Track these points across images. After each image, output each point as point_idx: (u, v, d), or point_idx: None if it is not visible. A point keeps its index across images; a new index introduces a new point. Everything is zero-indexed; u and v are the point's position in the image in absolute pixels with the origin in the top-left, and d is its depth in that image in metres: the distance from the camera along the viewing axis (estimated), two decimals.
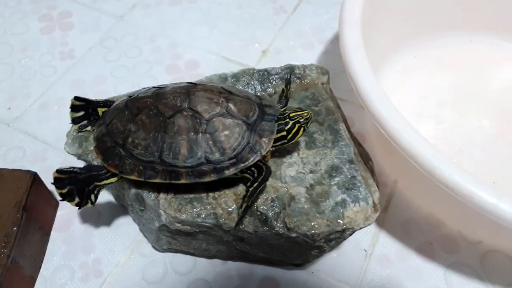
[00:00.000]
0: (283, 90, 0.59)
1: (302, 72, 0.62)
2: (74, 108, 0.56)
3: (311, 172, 0.53)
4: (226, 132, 0.48)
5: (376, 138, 0.71)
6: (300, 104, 0.59)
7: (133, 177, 0.49)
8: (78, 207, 0.51)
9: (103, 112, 0.55)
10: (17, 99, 0.77)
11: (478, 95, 0.75)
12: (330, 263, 0.61)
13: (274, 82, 0.62)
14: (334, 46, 0.84)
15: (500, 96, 0.75)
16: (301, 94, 0.60)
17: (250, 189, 0.48)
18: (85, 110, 0.56)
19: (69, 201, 0.51)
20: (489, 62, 0.79)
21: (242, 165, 0.48)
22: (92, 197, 0.52)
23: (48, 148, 0.71)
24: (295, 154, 0.55)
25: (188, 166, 0.47)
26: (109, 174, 0.51)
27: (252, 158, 0.48)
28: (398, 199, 0.66)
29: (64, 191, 0.50)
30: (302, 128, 0.50)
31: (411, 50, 0.80)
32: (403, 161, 0.63)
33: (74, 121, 0.57)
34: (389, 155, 0.67)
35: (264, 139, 0.48)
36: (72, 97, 0.57)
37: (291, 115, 0.50)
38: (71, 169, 0.51)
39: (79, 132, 0.57)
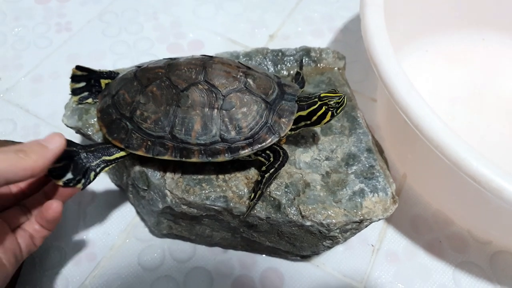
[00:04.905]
0: (297, 72, 0.56)
1: (318, 55, 0.59)
2: (74, 78, 0.52)
3: (326, 159, 0.50)
4: (244, 110, 0.44)
5: (386, 130, 0.68)
6: (316, 89, 0.56)
7: (140, 153, 0.45)
8: (64, 186, 0.43)
9: (107, 84, 0.51)
10: (8, 70, 0.72)
11: (489, 94, 0.73)
12: (336, 256, 0.58)
13: (288, 64, 0.58)
14: (344, 35, 0.82)
15: None
16: (316, 78, 0.58)
17: (266, 175, 0.44)
18: (86, 81, 0.52)
19: (57, 177, 0.43)
20: (501, 61, 0.77)
21: (259, 146, 0.44)
22: (92, 175, 0.45)
23: (41, 123, 0.66)
24: (310, 140, 0.52)
25: (201, 144, 0.44)
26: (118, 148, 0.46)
27: (269, 139, 0.44)
28: (406, 194, 0.64)
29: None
30: (330, 112, 0.45)
31: (422, 45, 0.78)
32: (414, 155, 0.61)
33: (74, 92, 0.52)
34: (399, 149, 0.65)
35: (283, 120, 0.45)
36: (71, 68, 0.52)
37: (322, 95, 0.46)
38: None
39: (79, 104, 0.53)
